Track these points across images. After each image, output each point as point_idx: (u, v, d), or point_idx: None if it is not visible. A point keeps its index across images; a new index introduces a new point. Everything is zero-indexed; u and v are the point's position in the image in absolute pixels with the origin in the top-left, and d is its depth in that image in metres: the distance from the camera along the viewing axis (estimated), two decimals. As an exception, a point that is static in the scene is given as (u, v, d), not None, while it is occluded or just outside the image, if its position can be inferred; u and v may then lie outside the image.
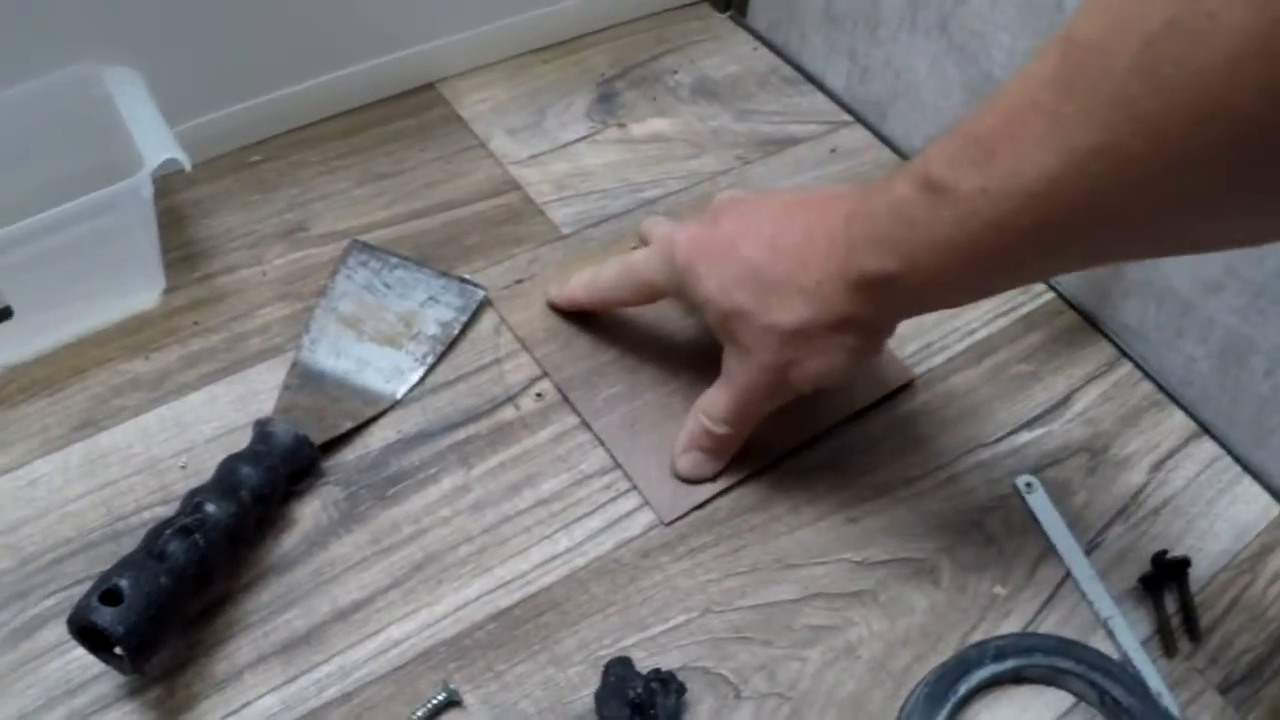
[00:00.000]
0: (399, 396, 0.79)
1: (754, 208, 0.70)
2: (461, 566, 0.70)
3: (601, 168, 0.99)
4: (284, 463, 0.70)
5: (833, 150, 1.03)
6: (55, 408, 0.76)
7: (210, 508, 0.64)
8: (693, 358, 0.82)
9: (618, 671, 0.64)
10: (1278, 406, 0.77)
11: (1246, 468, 0.80)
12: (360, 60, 1.00)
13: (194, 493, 0.66)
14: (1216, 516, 0.77)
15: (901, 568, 0.72)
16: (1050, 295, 0.90)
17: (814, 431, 0.79)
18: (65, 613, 0.59)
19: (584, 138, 1.02)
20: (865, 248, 0.61)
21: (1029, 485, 0.77)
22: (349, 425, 0.76)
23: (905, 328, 0.69)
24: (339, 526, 0.72)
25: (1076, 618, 0.71)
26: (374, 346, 0.81)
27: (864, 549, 0.73)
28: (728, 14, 1.18)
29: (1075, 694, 0.67)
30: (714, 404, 0.72)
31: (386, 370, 0.80)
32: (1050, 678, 0.67)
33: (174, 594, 0.60)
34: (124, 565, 0.59)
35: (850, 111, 1.08)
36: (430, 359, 0.81)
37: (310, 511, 0.72)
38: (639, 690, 0.62)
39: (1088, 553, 0.73)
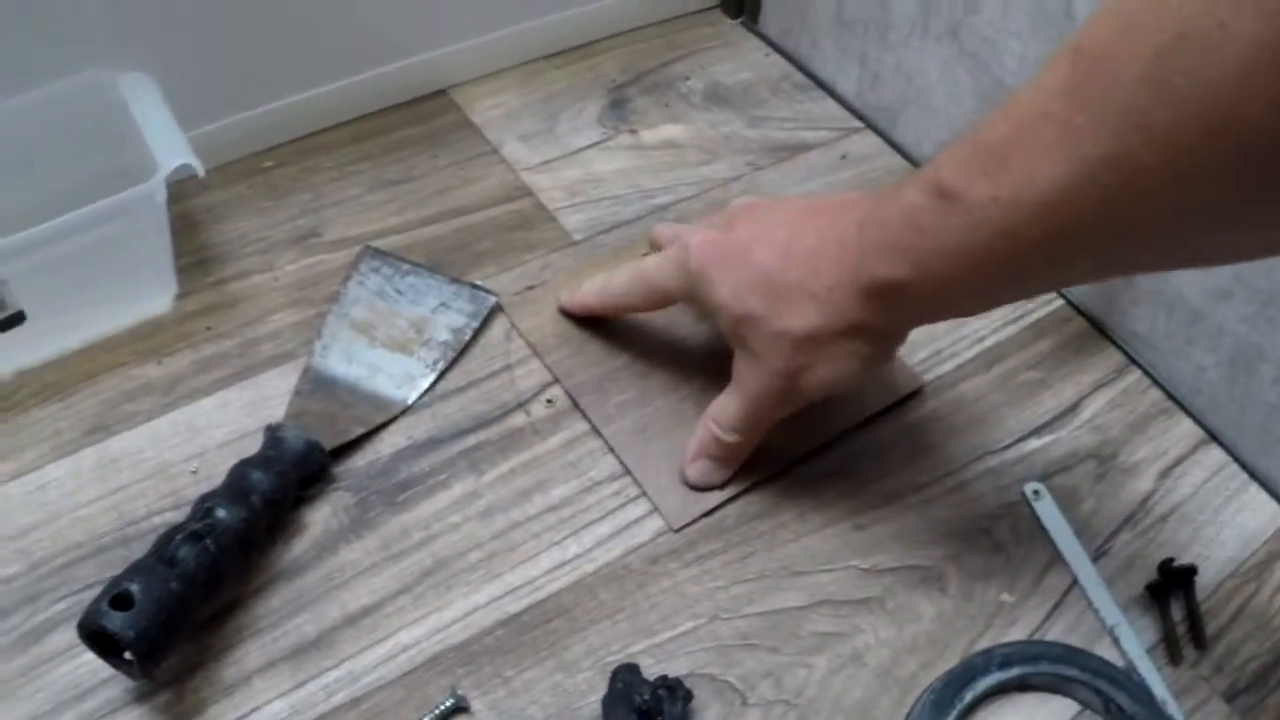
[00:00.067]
0: (410, 402, 0.79)
1: (768, 213, 0.70)
2: (471, 572, 0.71)
3: (613, 174, 0.99)
4: (295, 468, 0.71)
5: (844, 156, 1.03)
6: (67, 412, 0.77)
7: (221, 513, 0.64)
8: (704, 364, 0.82)
9: (625, 678, 0.64)
10: (1286, 415, 0.78)
11: (1254, 475, 0.80)
12: (373, 67, 1.00)
13: (205, 498, 0.66)
14: (1224, 524, 0.77)
15: (909, 575, 0.73)
16: (1059, 302, 0.90)
17: (823, 439, 0.79)
18: (75, 617, 0.59)
19: (596, 144, 1.02)
20: (876, 254, 0.61)
21: (1037, 492, 0.77)
22: (360, 431, 0.76)
23: (915, 334, 0.69)
24: (349, 532, 0.72)
25: (1083, 625, 0.71)
26: (385, 352, 0.81)
27: (871, 556, 0.73)
28: (739, 20, 1.19)
29: (1081, 702, 0.67)
30: (724, 411, 0.72)
31: (398, 376, 0.80)
32: (1056, 685, 0.67)
33: (184, 599, 0.60)
34: (134, 570, 0.60)
35: (861, 118, 1.08)
36: (441, 365, 0.81)
37: (321, 517, 0.73)
38: (646, 697, 0.62)
39: (1095, 560, 0.73)
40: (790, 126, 1.06)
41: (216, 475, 0.70)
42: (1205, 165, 0.44)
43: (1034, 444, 0.80)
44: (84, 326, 0.81)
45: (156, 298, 0.84)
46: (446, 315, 0.84)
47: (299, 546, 0.71)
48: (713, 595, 0.71)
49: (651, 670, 0.66)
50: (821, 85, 1.11)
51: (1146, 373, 0.86)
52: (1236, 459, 0.81)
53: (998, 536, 0.75)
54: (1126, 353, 0.87)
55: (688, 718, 0.64)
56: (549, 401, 0.80)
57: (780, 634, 0.69)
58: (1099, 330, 0.89)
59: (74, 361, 0.80)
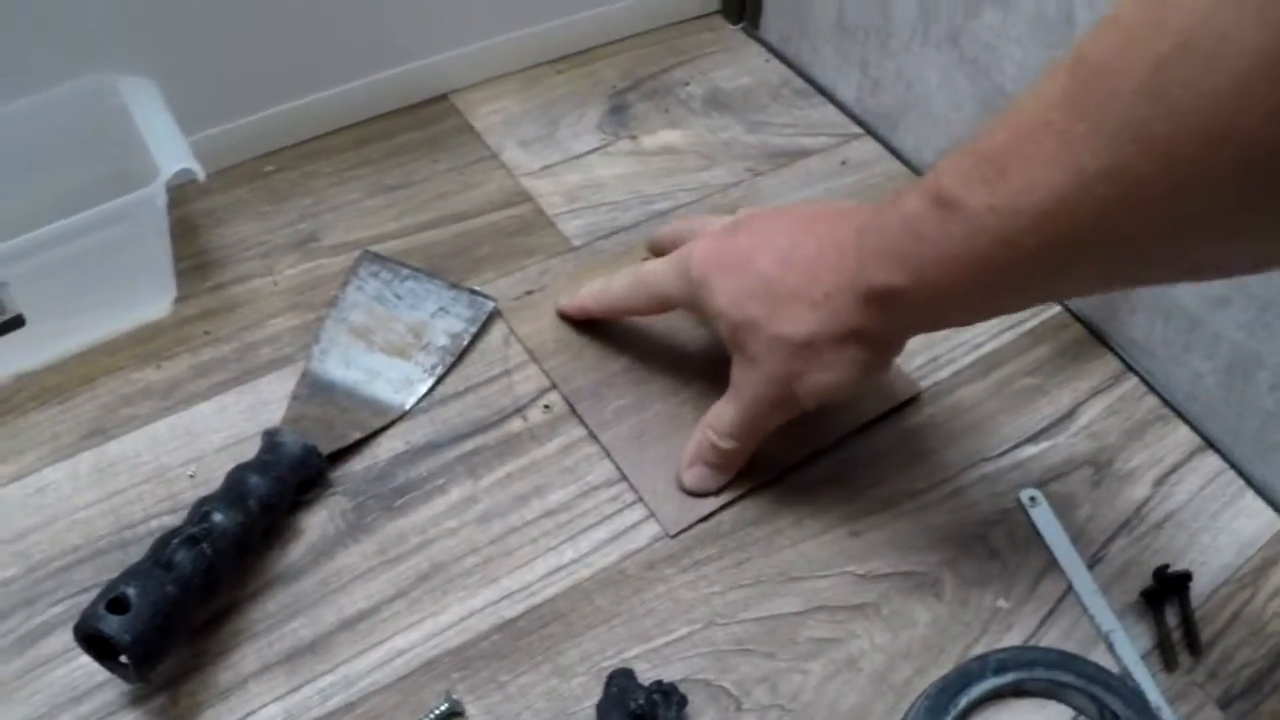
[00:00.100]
0: (408, 407, 0.79)
1: (771, 222, 0.70)
2: (467, 577, 0.71)
3: (613, 179, 0.99)
4: (292, 473, 0.71)
5: (843, 162, 1.03)
6: (65, 416, 0.77)
7: (218, 517, 0.65)
8: (702, 370, 0.82)
9: (620, 683, 0.64)
10: (1283, 421, 0.78)
11: (1250, 482, 0.79)
12: (373, 72, 1.00)
13: (202, 502, 0.66)
14: (1219, 531, 0.77)
15: (904, 581, 0.73)
16: (1057, 309, 0.90)
17: (819, 445, 0.79)
18: (72, 620, 0.59)
19: (596, 149, 1.02)
20: (875, 261, 0.61)
21: (1033, 499, 0.77)
22: (357, 436, 0.77)
23: (912, 341, 0.69)
24: (346, 537, 0.72)
25: (1078, 631, 0.71)
26: (383, 357, 0.81)
27: (867, 562, 0.73)
28: (740, 26, 1.19)
29: (1076, 708, 0.67)
30: (720, 418, 0.73)
31: (396, 381, 0.80)
32: (1051, 691, 0.67)
33: (180, 603, 0.60)
34: (131, 574, 0.60)
35: (861, 124, 1.08)
36: (439, 370, 0.81)
37: (318, 521, 0.73)
38: (641, 702, 0.62)
39: (1090, 566, 0.73)
40: (790, 132, 1.06)
41: (214, 479, 0.70)
42: (1203, 176, 0.44)
43: (1030, 450, 0.80)
44: (83, 330, 0.81)
45: (155, 302, 0.84)
46: (445, 320, 0.84)
47: (296, 551, 0.71)
48: (709, 601, 0.71)
49: (647, 675, 0.66)
50: (821, 91, 1.11)
51: (1143, 379, 0.86)
52: (1233, 466, 0.81)
53: (993, 543, 0.75)
54: (1124, 359, 0.87)
55: (682, 723, 0.64)
56: (546, 407, 0.80)
57: (776, 639, 0.69)
58: (1096, 337, 0.89)
59: (73, 365, 0.80)
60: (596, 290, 0.82)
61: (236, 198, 0.94)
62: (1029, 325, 0.89)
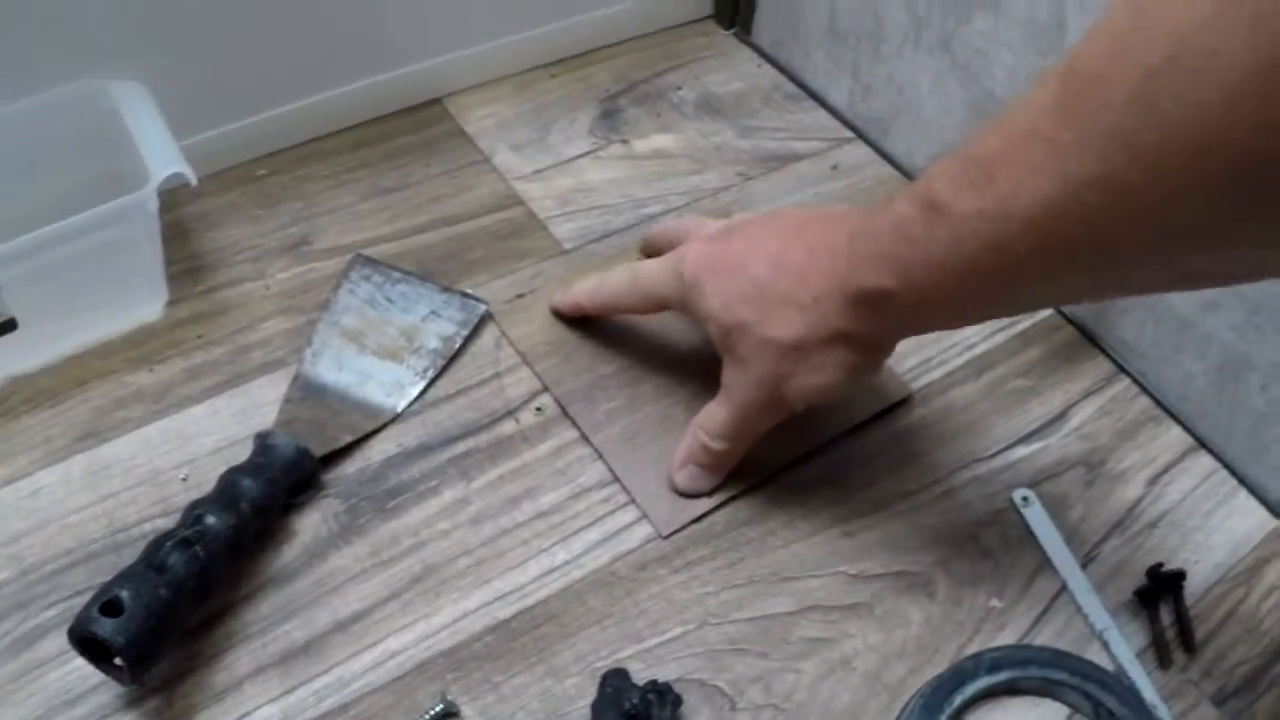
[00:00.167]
0: (399, 410, 0.79)
1: (764, 226, 0.71)
2: (460, 579, 0.71)
3: (604, 183, 0.99)
4: (285, 475, 0.71)
5: (834, 167, 1.03)
6: (58, 419, 0.77)
7: (211, 520, 0.65)
8: (693, 372, 0.82)
9: (614, 683, 0.64)
10: (1274, 421, 0.78)
11: (1243, 481, 0.80)
12: (366, 76, 1.00)
13: (195, 505, 0.66)
14: (1212, 530, 0.77)
15: (897, 581, 0.73)
16: (1049, 311, 0.91)
17: (811, 446, 0.79)
18: (66, 623, 0.59)
19: (587, 153, 1.02)
20: (865, 265, 0.61)
21: (1025, 499, 0.77)
22: (349, 438, 0.76)
23: (904, 343, 0.69)
24: (339, 539, 0.72)
25: (1072, 630, 0.71)
26: (375, 360, 0.81)
27: (859, 562, 0.73)
28: (732, 31, 1.19)
29: (1070, 706, 0.67)
30: (711, 419, 0.73)
31: (387, 384, 0.80)
32: (1045, 690, 0.67)
33: (174, 605, 0.60)
34: (124, 576, 0.60)
35: (852, 128, 1.08)
36: (431, 373, 0.81)
37: (310, 524, 0.73)
38: (635, 702, 0.62)
39: (1084, 566, 0.74)
40: (781, 136, 1.06)
41: (207, 482, 0.70)
42: (1193, 186, 0.44)
43: (1022, 451, 0.81)
44: (76, 333, 0.81)
45: (148, 305, 0.84)
46: (437, 323, 0.84)
47: (289, 553, 0.71)
48: (702, 601, 0.71)
49: (641, 675, 0.66)
50: (813, 96, 1.12)
51: (1135, 380, 0.86)
52: (1225, 465, 0.81)
53: (986, 543, 0.75)
54: (1115, 361, 0.87)
55: (677, 722, 0.64)
56: (538, 409, 0.80)
57: (769, 639, 0.69)
58: (1088, 338, 0.89)
59: (66, 368, 0.80)
60: (590, 287, 0.82)
61: (229, 201, 0.94)
62: (1021, 327, 0.89)
